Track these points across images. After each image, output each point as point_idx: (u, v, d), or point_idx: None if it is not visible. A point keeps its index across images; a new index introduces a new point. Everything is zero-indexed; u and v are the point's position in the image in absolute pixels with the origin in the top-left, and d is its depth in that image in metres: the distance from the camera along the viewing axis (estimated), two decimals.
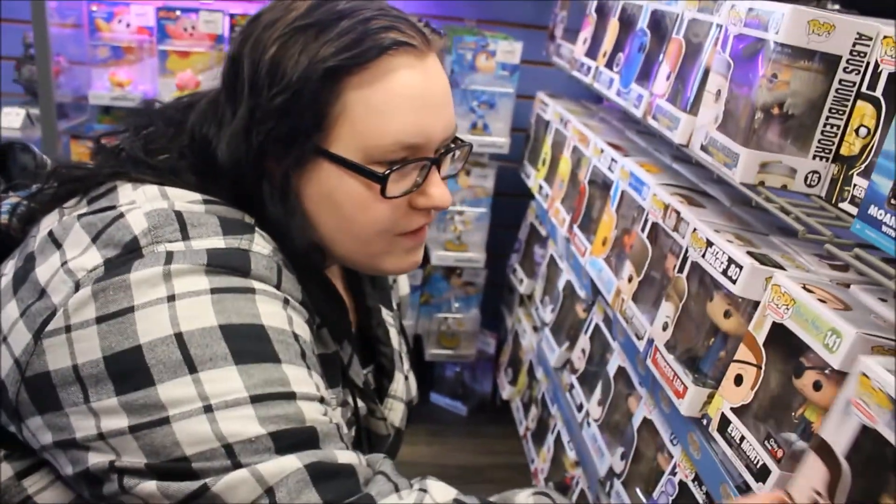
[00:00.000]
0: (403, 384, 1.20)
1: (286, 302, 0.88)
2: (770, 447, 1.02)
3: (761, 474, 1.01)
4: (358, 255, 0.98)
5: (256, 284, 0.85)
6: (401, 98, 0.88)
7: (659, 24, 1.56)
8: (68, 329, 0.79)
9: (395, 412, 1.17)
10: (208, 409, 0.77)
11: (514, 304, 2.67)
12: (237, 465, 0.76)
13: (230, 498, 0.76)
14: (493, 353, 2.90)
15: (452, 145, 0.98)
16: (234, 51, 0.92)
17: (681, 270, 1.30)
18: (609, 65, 1.78)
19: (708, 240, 1.23)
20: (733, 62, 1.21)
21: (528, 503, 0.91)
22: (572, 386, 1.90)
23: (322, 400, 0.85)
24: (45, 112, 2.37)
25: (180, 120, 0.97)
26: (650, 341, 1.35)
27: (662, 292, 1.36)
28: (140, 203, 0.86)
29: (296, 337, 0.86)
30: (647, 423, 1.51)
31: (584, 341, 1.89)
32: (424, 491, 0.84)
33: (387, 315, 1.20)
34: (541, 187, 2.25)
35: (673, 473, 1.38)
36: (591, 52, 1.93)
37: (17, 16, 2.54)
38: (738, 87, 1.20)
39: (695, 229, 1.27)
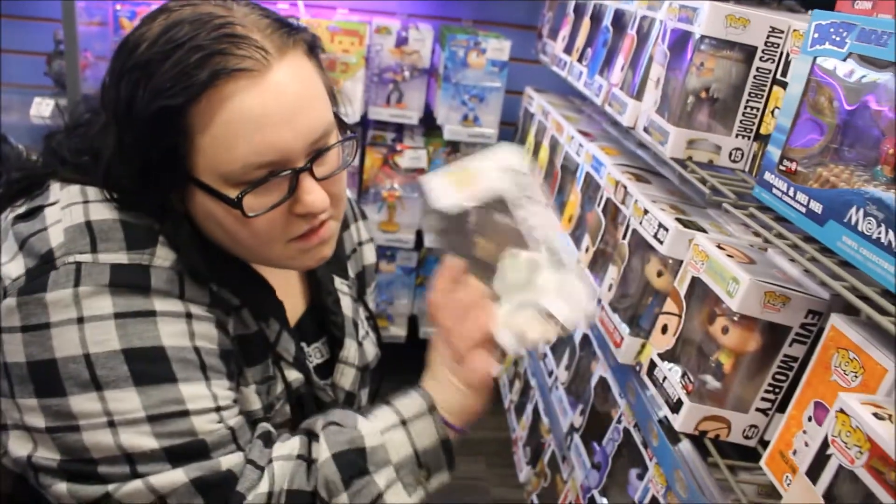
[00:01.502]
0: (356, 350, 1.22)
1: (189, 316, 0.95)
2: (684, 383, 1.17)
3: (676, 406, 1.17)
4: (258, 260, 1.03)
5: (158, 304, 0.92)
6: (238, 123, 0.88)
7: (620, 21, 1.73)
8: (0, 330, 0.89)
9: (345, 377, 1.20)
10: (111, 423, 0.88)
11: None
12: (135, 474, 0.88)
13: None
14: None
15: (329, 143, 0.97)
16: (104, 77, 0.94)
17: (624, 237, 1.46)
18: (581, 59, 1.95)
19: (645, 209, 1.39)
20: (669, 53, 1.37)
21: (322, 437, 0.99)
22: (546, 355, 2.06)
23: (218, 409, 0.94)
24: (73, 103, 2.53)
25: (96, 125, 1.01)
26: (598, 302, 1.51)
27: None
28: (63, 204, 0.94)
29: (196, 350, 0.94)
30: (602, 381, 1.67)
31: None
32: (271, 461, 0.96)
33: (340, 284, 1.24)
34: None
35: (619, 422, 1.54)
36: (568, 49, 2.09)
37: (48, 15, 2.73)
38: (673, 74, 1.36)
39: (636, 200, 1.44)
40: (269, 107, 0.89)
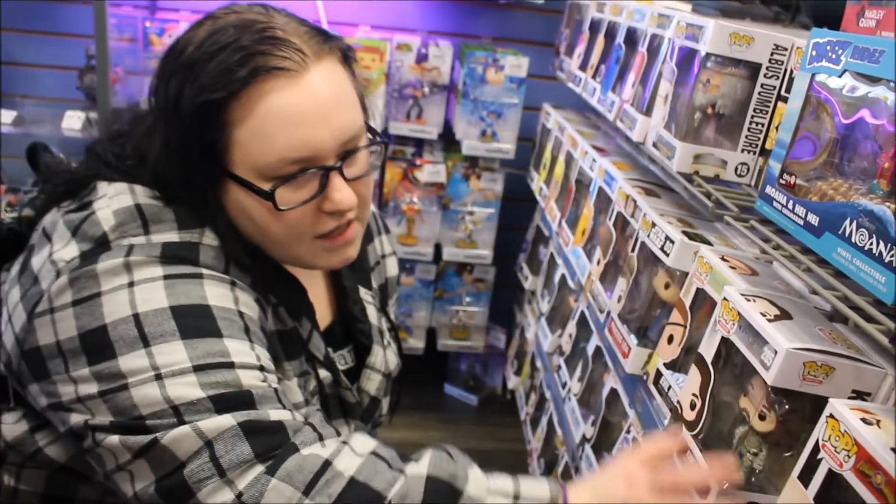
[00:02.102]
0: (382, 356, 1.27)
1: (233, 284, 0.99)
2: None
3: (678, 415, 1.19)
4: (286, 256, 1.07)
5: (205, 271, 0.97)
6: (276, 119, 0.93)
7: (632, 39, 1.76)
8: (52, 311, 0.92)
9: (371, 382, 1.24)
10: (158, 377, 0.88)
11: (523, 302, 2.86)
12: (182, 423, 0.87)
13: (176, 449, 0.87)
14: (504, 347, 3.08)
15: (359, 146, 1.02)
16: (153, 80, 1.01)
17: (633, 250, 1.49)
18: (595, 76, 1.98)
19: (653, 222, 1.42)
20: (677, 69, 1.40)
21: (427, 456, 0.93)
22: (560, 367, 2.08)
23: (262, 368, 0.94)
24: (103, 116, 2.57)
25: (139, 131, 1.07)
26: (608, 313, 1.54)
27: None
28: (111, 196, 0.99)
29: (241, 314, 0.96)
30: (613, 392, 1.69)
31: (571, 327, 2.08)
32: (345, 443, 0.92)
33: (365, 294, 1.28)
34: (541, 189, 2.45)
35: (628, 432, 1.56)
36: (583, 65, 2.13)
37: (81, 31, 2.80)
38: (680, 90, 1.39)
39: (644, 214, 1.47)
40: (304, 105, 0.95)
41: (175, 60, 0.96)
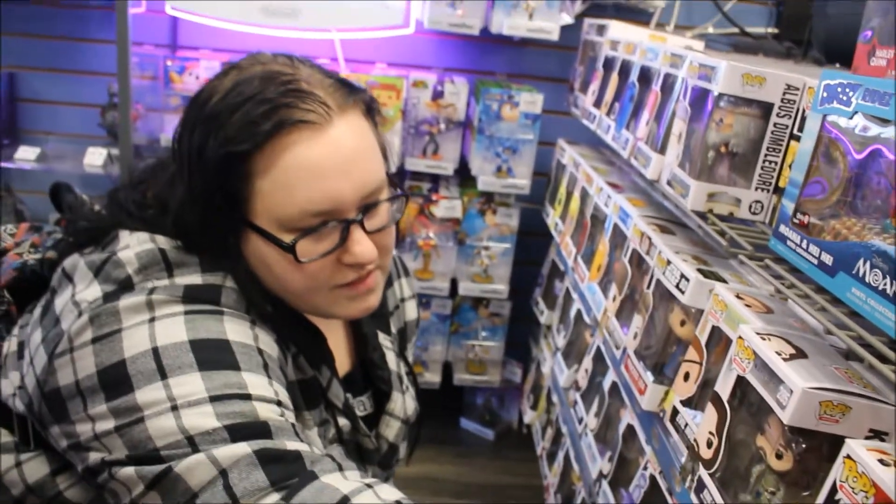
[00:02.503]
0: (402, 403, 1.26)
1: (253, 323, 0.99)
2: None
3: (694, 453, 1.19)
4: (306, 307, 1.06)
5: (226, 309, 0.97)
6: (298, 171, 0.94)
7: (646, 77, 1.78)
8: (72, 350, 0.92)
9: (390, 429, 1.24)
10: (174, 408, 0.87)
11: (539, 336, 2.86)
12: (196, 452, 0.85)
13: (190, 479, 0.84)
14: (520, 382, 3.08)
15: (380, 199, 1.03)
16: (177, 129, 1.01)
17: (648, 287, 1.50)
18: (609, 113, 2.01)
19: (668, 259, 1.43)
20: (690, 109, 1.42)
21: None
22: (576, 402, 2.08)
23: (279, 403, 0.92)
24: (124, 152, 2.63)
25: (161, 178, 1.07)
26: (624, 350, 1.54)
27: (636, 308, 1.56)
28: (133, 245, 0.99)
29: (259, 351, 0.96)
30: (629, 428, 1.69)
31: (587, 362, 2.08)
32: (370, 486, 0.87)
33: (383, 339, 1.27)
34: (556, 224, 2.46)
35: (645, 469, 1.56)
36: (597, 102, 2.15)
37: (103, 69, 2.87)
38: (694, 129, 1.40)
39: (660, 251, 1.48)
40: (327, 158, 0.95)
41: (200, 110, 0.97)
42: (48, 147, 2.92)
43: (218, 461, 0.84)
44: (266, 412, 0.90)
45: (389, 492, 0.88)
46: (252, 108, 0.93)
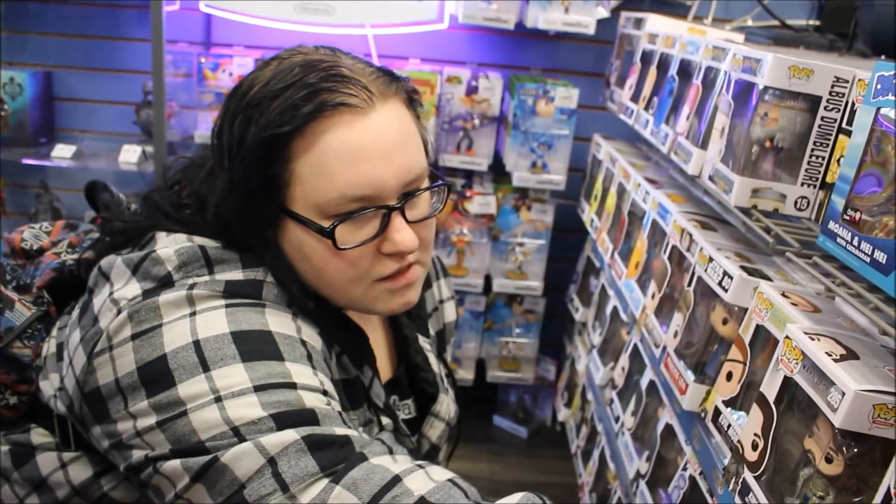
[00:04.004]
0: (447, 404, 1.25)
1: (295, 315, 0.98)
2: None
3: (739, 455, 1.17)
4: (345, 302, 1.04)
5: (267, 302, 0.96)
6: (339, 155, 0.92)
7: (686, 71, 1.75)
8: (111, 348, 0.91)
9: (434, 430, 1.23)
10: (218, 399, 0.86)
11: (573, 333, 2.84)
12: (243, 442, 0.83)
13: (238, 467, 0.83)
14: (554, 379, 3.05)
15: (421, 187, 1.01)
16: (217, 121, 1.01)
17: (689, 284, 1.47)
18: (647, 108, 1.97)
19: (710, 256, 1.40)
20: (734, 103, 1.39)
21: (517, 497, 0.88)
22: (612, 400, 2.06)
23: (325, 392, 0.91)
24: (158, 149, 2.66)
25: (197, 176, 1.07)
26: (664, 348, 1.52)
27: (677, 305, 1.53)
28: (171, 245, 0.98)
29: (303, 342, 0.95)
30: (668, 427, 1.66)
31: (624, 360, 2.05)
32: (421, 466, 0.87)
33: (423, 342, 1.26)
34: (592, 220, 2.44)
35: (685, 469, 1.53)
36: (635, 97, 2.12)
37: (138, 67, 2.90)
38: (737, 124, 1.37)
39: (701, 248, 1.45)
40: (368, 142, 0.94)
41: (240, 100, 0.96)
42: (84, 145, 2.95)
43: (266, 449, 0.83)
44: (312, 400, 0.88)
45: (441, 473, 0.87)
46: (293, 93, 0.92)
